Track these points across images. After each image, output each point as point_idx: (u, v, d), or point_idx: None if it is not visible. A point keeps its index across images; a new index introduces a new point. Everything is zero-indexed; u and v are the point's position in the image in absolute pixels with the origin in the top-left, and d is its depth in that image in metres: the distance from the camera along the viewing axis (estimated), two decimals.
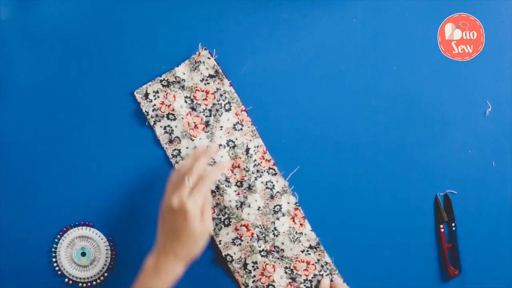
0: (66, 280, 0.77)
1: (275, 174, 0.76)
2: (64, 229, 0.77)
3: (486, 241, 0.75)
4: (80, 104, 0.78)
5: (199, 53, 0.76)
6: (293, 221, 0.76)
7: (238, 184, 0.76)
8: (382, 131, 0.76)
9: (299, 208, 0.76)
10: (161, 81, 0.76)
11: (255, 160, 0.76)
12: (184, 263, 0.65)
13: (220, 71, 0.76)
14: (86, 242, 0.77)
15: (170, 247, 0.65)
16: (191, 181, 0.66)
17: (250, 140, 0.76)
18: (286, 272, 0.76)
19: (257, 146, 0.76)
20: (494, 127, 0.75)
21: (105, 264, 0.77)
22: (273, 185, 0.76)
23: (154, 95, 0.76)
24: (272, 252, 0.75)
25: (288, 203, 0.76)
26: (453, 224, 0.75)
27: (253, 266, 0.76)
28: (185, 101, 0.76)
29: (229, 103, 0.76)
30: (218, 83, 0.76)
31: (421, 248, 0.76)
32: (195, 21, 0.77)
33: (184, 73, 0.76)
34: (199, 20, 0.77)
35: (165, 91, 0.76)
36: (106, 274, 0.77)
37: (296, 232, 0.75)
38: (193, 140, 0.76)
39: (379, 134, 0.76)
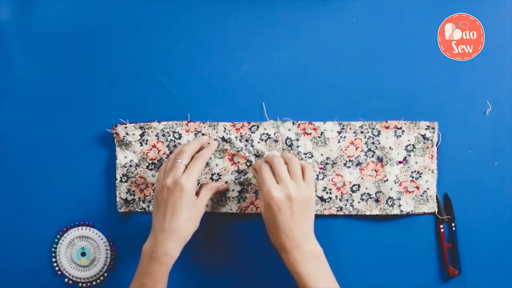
0: (66, 280, 0.77)
1: None
2: (64, 229, 0.77)
3: (486, 241, 0.75)
4: (80, 103, 0.78)
5: (116, 133, 0.76)
6: None
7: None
8: None
9: None
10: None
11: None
12: (180, 243, 0.66)
13: (141, 123, 0.76)
14: (86, 242, 0.77)
15: (168, 226, 0.65)
16: (183, 161, 0.68)
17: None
18: None
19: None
20: (494, 127, 0.75)
21: (105, 264, 0.76)
22: None
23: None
24: None
25: None
26: (453, 224, 0.75)
27: None
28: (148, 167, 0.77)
29: (175, 132, 0.76)
30: (152, 131, 0.76)
31: (421, 248, 0.76)
32: (195, 21, 0.77)
33: (126, 156, 0.76)
34: (199, 20, 0.77)
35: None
36: (106, 274, 0.77)
37: None
38: None
39: None
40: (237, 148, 0.75)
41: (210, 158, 0.75)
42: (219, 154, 0.76)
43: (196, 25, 0.77)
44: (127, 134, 0.76)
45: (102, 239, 0.77)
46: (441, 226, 0.75)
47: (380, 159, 0.75)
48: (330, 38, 0.77)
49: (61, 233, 0.77)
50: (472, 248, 0.75)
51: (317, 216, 0.74)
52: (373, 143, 0.75)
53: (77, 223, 0.77)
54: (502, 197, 0.75)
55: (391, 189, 0.75)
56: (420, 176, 0.75)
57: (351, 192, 0.75)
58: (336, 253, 0.76)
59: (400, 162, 0.75)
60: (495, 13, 0.75)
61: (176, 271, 0.77)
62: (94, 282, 0.77)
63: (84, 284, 0.77)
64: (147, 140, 0.76)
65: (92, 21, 0.78)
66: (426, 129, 0.75)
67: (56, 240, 0.77)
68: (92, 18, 0.78)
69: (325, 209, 0.75)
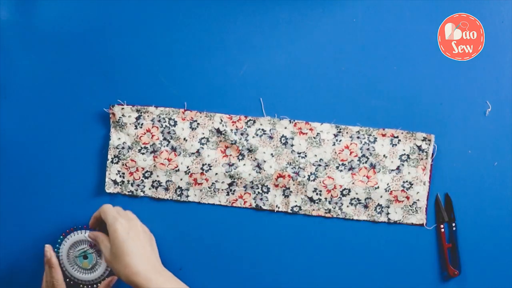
0: (67, 280, 0.77)
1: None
2: (68, 231, 0.77)
3: (486, 241, 0.75)
4: (81, 103, 0.78)
5: (112, 113, 0.77)
6: None
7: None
8: None
9: None
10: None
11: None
12: None
13: (138, 106, 0.76)
14: (88, 245, 0.77)
15: None
16: None
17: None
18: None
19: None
20: (494, 127, 0.75)
21: (106, 269, 0.76)
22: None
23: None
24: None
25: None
26: (453, 224, 0.75)
27: None
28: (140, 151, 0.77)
29: (171, 118, 0.77)
30: (148, 115, 0.77)
31: (421, 248, 0.76)
32: (196, 21, 0.77)
33: (119, 138, 0.77)
34: (199, 20, 0.77)
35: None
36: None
37: None
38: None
39: None
40: (232, 140, 0.76)
41: (203, 148, 0.76)
42: (212, 145, 0.76)
43: (197, 25, 0.77)
44: (123, 115, 0.76)
45: None
46: (441, 226, 0.75)
47: (373, 166, 0.75)
48: (330, 38, 0.77)
49: (64, 235, 0.77)
50: (472, 248, 0.75)
51: (305, 216, 0.76)
52: (368, 149, 0.75)
53: (80, 226, 0.77)
54: (502, 197, 0.75)
55: (381, 196, 0.75)
56: (411, 187, 0.75)
57: (340, 196, 0.76)
58: (335, 252, 0.76)
59: (392, 171, 0.76)
60: (495, 13, 0.75)
61: (176, 271, 0.77)
62: (95, 286, 0.77)
63: (85, 287, 0.77)
64: (142, 124, 0.77)
65: (92, 21, 0.78)
66: (423, 140, 0.75)
67: (59, 241, 0.77)
68: (93, 17, 0.78)
69: (313, 210, 0.76)
